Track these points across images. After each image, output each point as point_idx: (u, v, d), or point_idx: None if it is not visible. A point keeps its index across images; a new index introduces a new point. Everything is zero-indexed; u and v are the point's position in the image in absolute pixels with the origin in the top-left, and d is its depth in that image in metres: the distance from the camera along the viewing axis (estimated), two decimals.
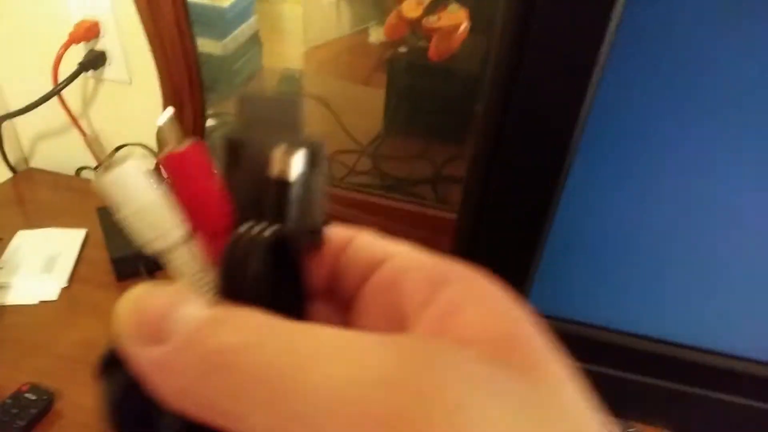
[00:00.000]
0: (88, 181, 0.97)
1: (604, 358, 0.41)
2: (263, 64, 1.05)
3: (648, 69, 0.31)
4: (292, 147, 0.17)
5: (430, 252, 0.18)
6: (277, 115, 0.18)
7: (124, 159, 0.16)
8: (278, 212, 0.17)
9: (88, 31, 0.83)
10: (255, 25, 1.03)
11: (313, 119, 0.99)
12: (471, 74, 0.91)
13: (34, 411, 0.61)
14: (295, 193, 0.17)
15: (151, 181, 0.17)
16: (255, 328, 0.13)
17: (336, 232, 0.20)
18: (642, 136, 0.33)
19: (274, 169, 0.17)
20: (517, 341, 0.14)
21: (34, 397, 0.62)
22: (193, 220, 0.17)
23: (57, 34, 0.83)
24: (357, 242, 0.19)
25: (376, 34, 0.98)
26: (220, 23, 0.97)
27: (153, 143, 0.86)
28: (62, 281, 0.78)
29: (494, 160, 0.33)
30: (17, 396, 0.62)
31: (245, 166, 0.17)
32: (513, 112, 0.32)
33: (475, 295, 0.16)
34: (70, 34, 0.82)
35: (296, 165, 0.17)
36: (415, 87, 0.95)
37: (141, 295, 0.15)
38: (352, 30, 1.03)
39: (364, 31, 0.99)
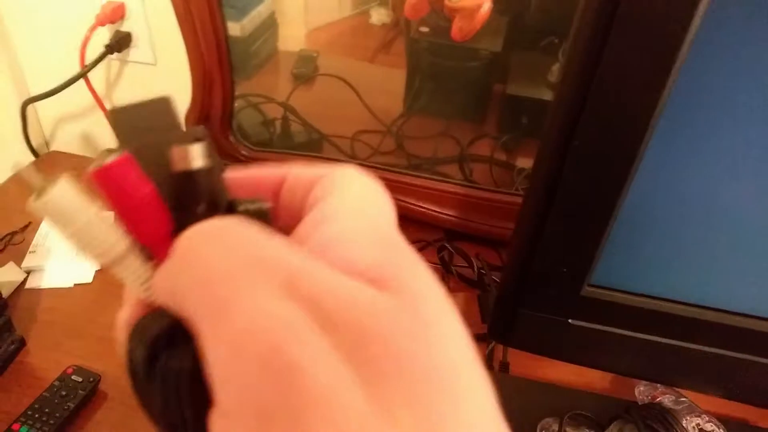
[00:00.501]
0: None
1: (666, 329, 0.42)
2: (280, 47, 1.04)
3: (731, 52, 0.31)
4: (185, 140, 0.17)
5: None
6: (154, 117, 0.19)
7: (55, 181, 0.16)
8: (192, 201, 0.17)
9: (114, 13, 0.82)
10: (271, 5, 1.02)
11: (335, 100, 0.99)
12: (493, 53, 0.91)
13: (82, 393, 0.61)
14: (206, 181, 0.17)
15: (85, 199, 0.17)
16: None
17: (268, 171, 0.20)
18: (720, 115, 0.33)
19: (179, 166, 0.17)
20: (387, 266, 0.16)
21: (80, 379, 0.63)
22: (132, 230, 0.17)
23: (84, 17, 0.82)
24: (292, 176, 0.20)
25: (378, 15, 0.98)
26: (238, 4, 0.96)
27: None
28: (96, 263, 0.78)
29: (572, 133, 0.34)
30: (64, 378, 0.63)
31: (150, 172, 0.17)
32: (594, 89, 0.32)
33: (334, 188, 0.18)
34: (97, 17, 0.82)
35: (197, 155, 0.17)
36: (437, 66, 0.95)
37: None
38: (353, 11, 1.03)
39: (365, 13, 0.98)
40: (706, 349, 0.42)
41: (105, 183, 0.16)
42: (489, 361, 0.63)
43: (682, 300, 0.40)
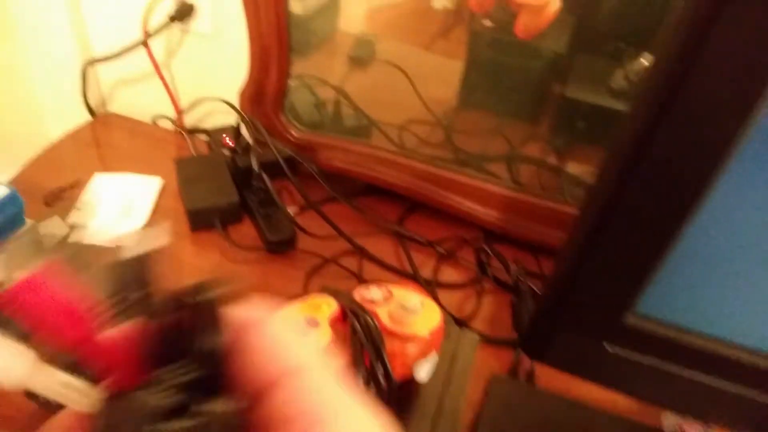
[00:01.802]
0: (164, 129, 0.99)
1: (707, 366, 0.40)
2: (339, 27, 1.04)
3: None
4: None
5: None
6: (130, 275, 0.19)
7: None
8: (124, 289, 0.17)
9: None
10: None
11: (388, 85, 0.98)
12: (556, 54, 0.89)
13: None
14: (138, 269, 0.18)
15: None
16: None
17: (244, 316, 0.19)
18: None
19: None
20: None
21: None
22: (52, 335, 0.17)
23: None
24: (263, 331, 0.19)
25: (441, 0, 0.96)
26: None
27: (233, 99, 0.86)
28: (139, 227, 0.80)
29: (642, 153, 0.32)
30: None
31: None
32: (675, 109, 0.31)
33: None
34: None
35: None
36: (497, 62, 0.93)
37: None
38: None
39: None
40: (747, 391, 0.40)
41: (21, 296, 0.16)
42: (515, 369, 0.62)
43: (729, 340, 0.38)
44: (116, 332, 0.18)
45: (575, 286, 0.38)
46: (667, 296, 0.37)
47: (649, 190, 0.33)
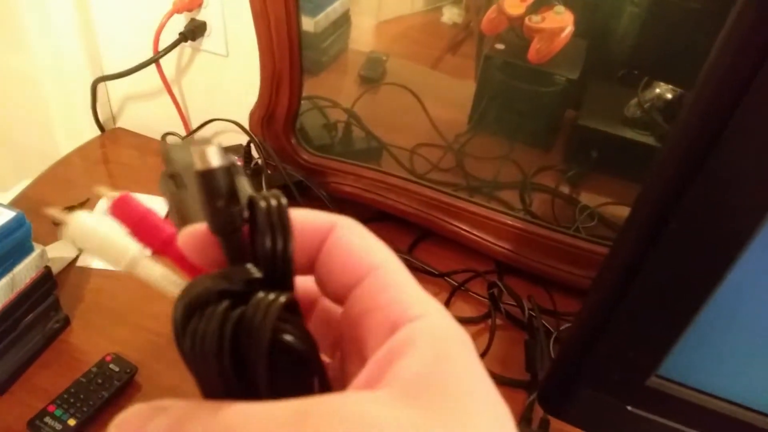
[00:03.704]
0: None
1: (725, 430, 0.39)
2: (350, 45, 1.03)
3: None
4: (203, 145, 0.19)
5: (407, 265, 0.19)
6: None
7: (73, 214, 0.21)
8: (211, 199, 0.18)
9: (192, 1, 0.82)
10: (347, 3, 1.00)
11: (399, 106, 0.97)
12: (569, 80, 0.88)
13: (117, 383, 0.62)
14: (222, 180, 0.19)
15: (102, 218, 0.22)
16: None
17: (310, 221, 0.20)
18: None
19: (198, 165, 0.18)
20: (439, 380, 0.15)
21: (117, 369, 0.63)
22: (145, 241, 0.22)
23: (162, 3, 0.82)
24: (334, 239, 0.20)
25: (450, 14, 0.95)
26: None
27: (243, 120, 0.85)
28: (146, 249, 0.79)
29: (670, 213, 0.31)
30: (102, 365, 0.63)
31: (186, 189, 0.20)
32: (698, 182, 0.30)
33: (420, 339, 0.17)
34: (174, 3, 0.82)
35: (213, 155, 0.19)
36: (508, 86, 0.92)
37: (119, 419, 0.17)
38: (426, 8, 1.01)
39: (438, 10, 0.96)
40: None
41: (117, 209, 0.22)
42: (529, 414, 0.60)
43: (751, 406, 0.37)
44: (193, 238, 0.20)
45: (598, 346, 0.37)
46: (692, 361, 0.36)
47: (675, 254, 0.32)
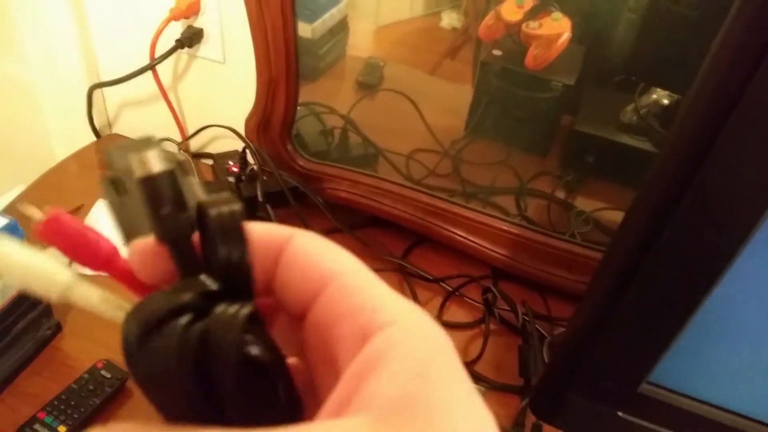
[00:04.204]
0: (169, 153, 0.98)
1: None
2: (347, 51, 1.03)
3: None
4: (144, 148, 0.18)
5: (370, 269, 0.18)
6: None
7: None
8: (155, 207, 0.18)
9: (189, 9, 0.82)
10: (344, 9, 1.00)
11: (396, 112, 0.97)
12: (566, 86, 0.88)
13: (108, 390, 0.62)
14: (165, 186, 0.18)
15: (26, 246, 0.19)
16: None
17: (265, 234, 0.19)
18: None
19: (138, 172, 0.18)
20: (422, 401, 0.14)
21: (108, 375, 0.63)
22: (84, 261, 0.19)
23: (159, 10, 0.83)
24: (291, 251, 0.19)
25: (449, 19, 0.95)
26: (313, 5, 0.95)
27: (239, 126, 0.85)
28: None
29: (664, 222, 0.31)
30: (93, 372, 0.63)
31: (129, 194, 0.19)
32: (690, 191, 0.29)
33: (395, 351, 0.15)
34: (171, 11, 0.82)
35: (154, 159, 0.18)
36: (505, 92, 0.92)
37: None
38: (425, 12, 1.01)
39: (436, 15, 0.96)
40: None
41: (47, 232, 0.19)
42: (522, 419, 0.60)
43: (742, 413, 0.36)
44: (142, 252, 0.19)
45: (591, 352, 0.36)
46: (684, 368, 0.36)
47: (669, 262, 0.32)
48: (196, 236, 0.18)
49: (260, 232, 0.19)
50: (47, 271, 0.19)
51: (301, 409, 0.18)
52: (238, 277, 0.17)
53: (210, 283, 0.17)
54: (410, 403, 0.14)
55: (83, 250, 0.19)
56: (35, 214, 0.19)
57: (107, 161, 0.20)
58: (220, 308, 0.16)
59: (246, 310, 0.16)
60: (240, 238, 0.17)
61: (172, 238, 0.18)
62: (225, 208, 0.18)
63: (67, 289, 0.19)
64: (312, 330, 0.18)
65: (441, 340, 0.16)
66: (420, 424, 0.14)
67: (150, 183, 0.17)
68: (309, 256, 0.19)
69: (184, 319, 0.16)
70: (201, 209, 0.18)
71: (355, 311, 0.17)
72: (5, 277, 0.19)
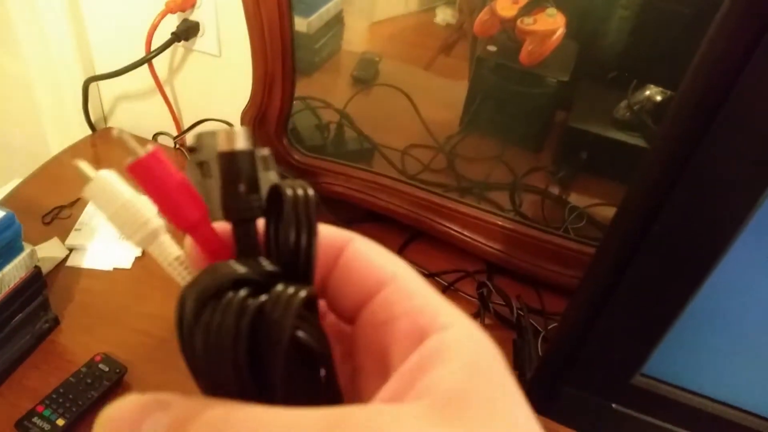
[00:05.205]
0: (164, 147, 0.98)
1: (713, 429, 0.39)
2: (343, 46, 1.03)
3: None
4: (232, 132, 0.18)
5: (423, 277, 0.19)
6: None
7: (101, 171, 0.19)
8: (230, 182, 0.18)
9: (185, 2, 0.82)
10: (340, 4, 1.01)
11: (391, 107, 0.98)
12: (560, 82, 0.88)
13: (107, 383, 0.62)
14: (243, 163, 0.18)
15: (123, 185, 0.18)
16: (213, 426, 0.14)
17: (326, 235, 0.20)
18: None
19: (223, 146, 0.18)
20: (474, 395, 0.15)
21: (107, 369, 0.63)
22: (169, 216, 0.18)
23: (154, 3, 0.82)
24: (351, 252, 0.20)
25: (443, 15, 0.95)
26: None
27: (236, 120, 0.85)
28: (137, 250, 0.78)
29: (655, 216, 0.31)
30: (91, 365, 0.63)
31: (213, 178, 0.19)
32: (688, 174, 0.30)
33: (451, 351, 0.16)
34: (167, 3, 0.82)
35: (239, 137, 0.18)
36: (500, 88, 0.93)
37: (111, 410, 0.15)
38: (419, 8, 1.01)
39: (431, 11, 0.96)
40: None
41: (140, 174, 0.18)
42: None
43: (734, 404, 0.37)
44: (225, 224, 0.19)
45: (583, 345, 0.37)
46: (676, 359, 0.36)
47: (660, 256, 0.32)
48: (260, 223, 0.18)
49: (323, 232, 0.19)
50: (140, 212, 0.18)
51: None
52: (301, 263, 0.18)
53: (267, 265, 0.17)
54: (465, 396, 0.15)
55: (176, 204, 0.18)
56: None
57: (197, 143, 0.20)
58: (280, 287, 0.16)
59: (304, 293, 0.16)
60: (311, 223, 0.18)
61: (240, 215, 0.18)
62: (300, 192, 0.18)
63: (152, 235, 0.18)
64: (363, 328, 0.19)
65: (492, 348, 0.17)
66: (474, 412, 0.14)
67: (229, 157, 0.18)
68: (368, 258, 0.19)
69: (243, 291, 0.16)
70: (276, 189, 0.18)
71: (414, 312, 0.17)
72: (99, 206, 0.18)
